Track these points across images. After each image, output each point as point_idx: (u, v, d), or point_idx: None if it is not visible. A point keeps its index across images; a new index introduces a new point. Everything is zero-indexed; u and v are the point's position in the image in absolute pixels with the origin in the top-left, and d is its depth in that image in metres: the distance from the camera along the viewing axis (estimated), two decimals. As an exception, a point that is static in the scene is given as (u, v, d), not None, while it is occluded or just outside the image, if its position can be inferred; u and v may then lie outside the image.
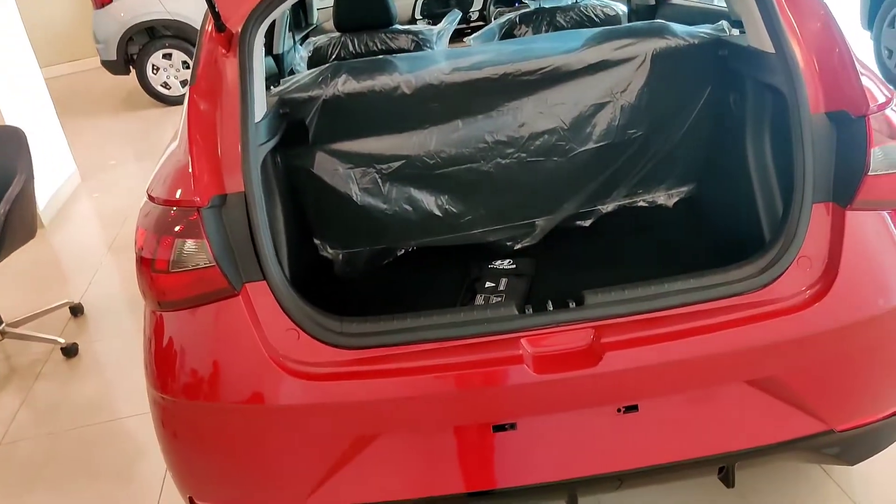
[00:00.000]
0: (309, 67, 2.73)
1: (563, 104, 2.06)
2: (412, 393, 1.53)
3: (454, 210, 2.18)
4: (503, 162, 2.11)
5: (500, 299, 2.11)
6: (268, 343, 1.52)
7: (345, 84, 1.98)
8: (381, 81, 1.98)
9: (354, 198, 2.12)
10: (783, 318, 1.54)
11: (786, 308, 1.55)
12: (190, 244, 1.50)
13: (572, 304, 1.61)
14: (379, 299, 2.20)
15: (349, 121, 2.03)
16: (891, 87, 1.61)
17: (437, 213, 2.17)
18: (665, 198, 2.36)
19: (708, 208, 2.28)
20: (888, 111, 1.55)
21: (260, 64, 1.69)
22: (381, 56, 2.19)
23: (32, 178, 3.13)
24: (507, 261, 2.32)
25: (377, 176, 2.11)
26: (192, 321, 1.55)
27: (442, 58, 2.10)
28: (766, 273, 1.57)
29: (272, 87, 2.07)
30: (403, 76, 1.98)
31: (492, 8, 4.16)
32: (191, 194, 1.50)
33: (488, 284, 2.21)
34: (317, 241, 2.28)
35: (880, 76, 1.62)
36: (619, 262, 2.18)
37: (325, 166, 2.09)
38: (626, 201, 2.35)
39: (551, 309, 1.61)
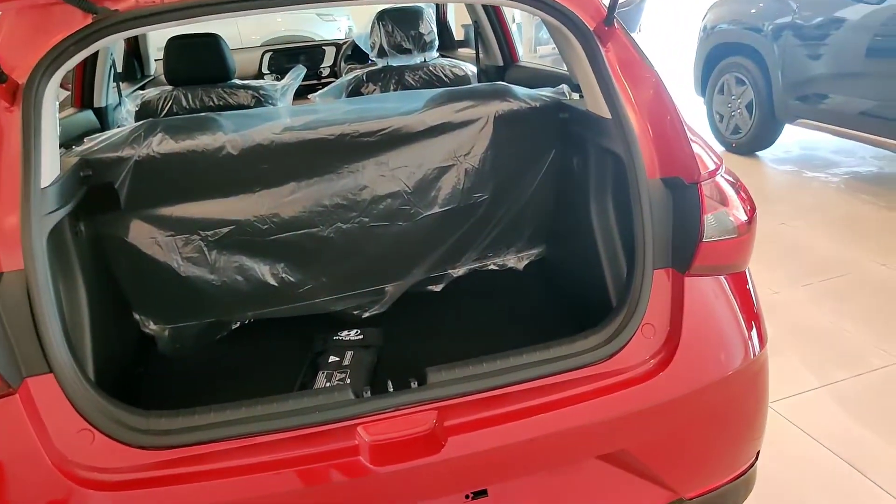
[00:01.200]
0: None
1: (405, 167, 1.96)
2: (231, 497, 1.34)
3: (292, 279, 2.01)
4: (344, 227, 1.98)
5: (343, 375, 1.94)
6: (53, 448, 1.29)
7: (161, 144, 1.78)
8: (203, 141, 1.80)
9: (177, 269, 1.90)
10: (629, 390, 1.49)
11: (631, 378, 1.50)
12: None
13: (414, 384, 1.48)
14: (210, 380, 1.98)
15: (167, 184, 1.83)
16: (720, 155, 1.63)
17: (273, 282, 1.99)
18: (515, 261, 2.31)
19: (557, 271, 2.25)
20: (718, 178, 1.57)
21: (51, 120, 1.48)
22: (203, 113, 2.01)
23: None
24: (354, 331, 2.16)
25: (202, 244, 1.91)
26: None
27: (275, 115, 1.95)
28: (611, 343, 1.52)
29: (74, 147, 1.83)
30: (228, 135, 1.81)
31: (343, 64, 4.07)
32: None
33: (332, 359, 2.03)
34: (137, 317, 2.02)
35: (709, 143, 1.64)
36: (471, 330, 2.08)
37: (141, 235, 1.86)
38: (477, 265, 2.27)
39: (391, 390, 1.47)
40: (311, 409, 1.40)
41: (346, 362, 2.01)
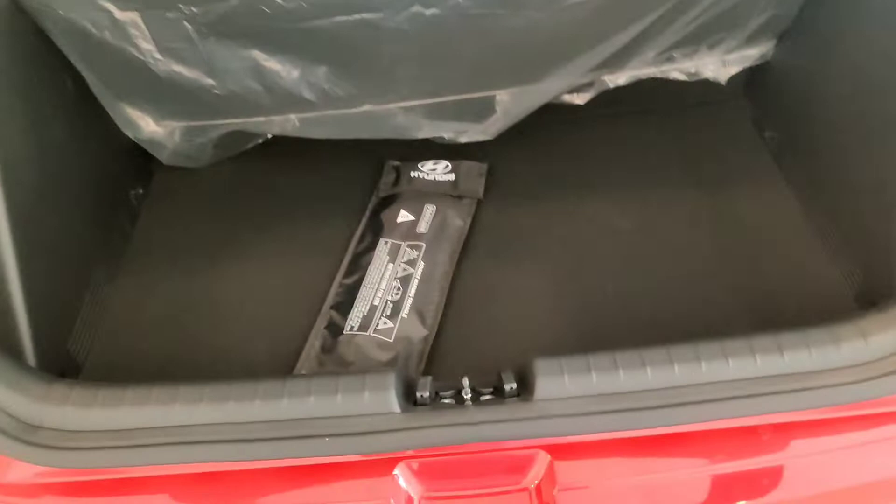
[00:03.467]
0: None
1: None
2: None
3: (340, 92, 1.22)
4: (427, 12, 1.10)
5: (416, 255, 1.27)
6: None
7: None
8: None
9: (151, 65, 1.15)
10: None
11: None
12: None
13: (510, 386, 0.79)
14: (222, 219, 1.38)
15: None
16: None
17: (309, 95, 1.21)
18: (715, 67, 1.38)
19: (785, 97, 1.33)
20: None
21: None
22: None
23: None
24: (443, 164, 1.44)
25: (189, 27, 1.11)
26: None
27: None
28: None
29: None
30: None
31: None
32: None
33: (403, 216, 1.34)
34: (129, 115, 1.33)
35: None
36: (623, 190, 1.31)
37: (88, 8, 1.09)
38: (653, 69, 1.37)
39: (468, 397, 0.80)
40: (310, 422, 0.78)
41: (421, 229, 1.31)
